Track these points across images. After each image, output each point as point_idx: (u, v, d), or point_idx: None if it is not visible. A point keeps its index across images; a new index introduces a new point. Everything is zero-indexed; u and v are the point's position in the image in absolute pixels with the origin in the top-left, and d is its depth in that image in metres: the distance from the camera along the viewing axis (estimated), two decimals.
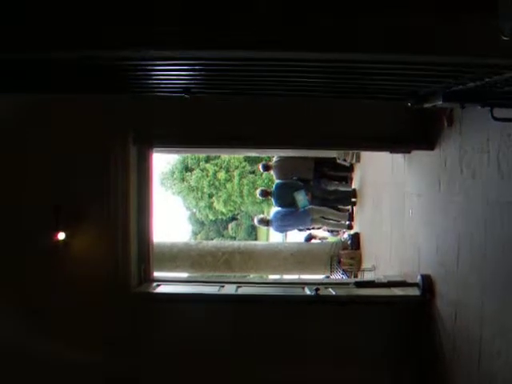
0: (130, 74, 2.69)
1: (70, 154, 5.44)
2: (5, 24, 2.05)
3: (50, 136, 5.42)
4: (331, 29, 2.04)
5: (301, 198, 9.36)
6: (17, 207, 5.43)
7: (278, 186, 9.78)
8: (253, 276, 11.66)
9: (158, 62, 2.45)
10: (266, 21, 2.01)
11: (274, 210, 10.49)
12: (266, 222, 10.13)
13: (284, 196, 9.60)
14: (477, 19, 1.94)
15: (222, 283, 6.19)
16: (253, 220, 11.57)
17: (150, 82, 2.94)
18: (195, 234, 33.28)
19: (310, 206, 9.57)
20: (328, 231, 11.10)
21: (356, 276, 8.63)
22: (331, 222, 10.15)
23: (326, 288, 5.94)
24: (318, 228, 10.75)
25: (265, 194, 10.38)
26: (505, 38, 1.76)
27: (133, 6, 2.03)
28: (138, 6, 2.02)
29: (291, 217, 9.59)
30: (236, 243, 10.71)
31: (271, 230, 10.91)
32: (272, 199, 10.16)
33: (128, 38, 2.05)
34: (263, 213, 27.62)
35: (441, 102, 2.81)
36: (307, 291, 5.83)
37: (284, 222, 9.66)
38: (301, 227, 10.09)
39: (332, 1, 2.04)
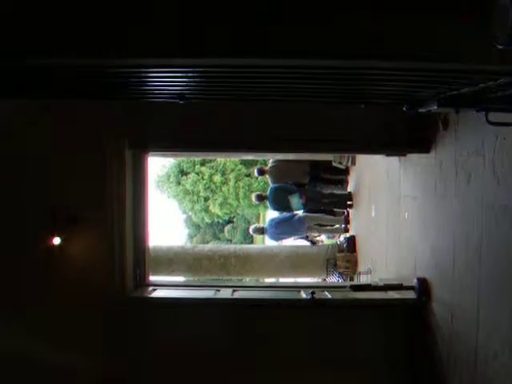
0: (126, 80, 2.69)
1: (66, 159, 5.44)
2: (6, 31, 2.05)
3: (47, 140, 5.41)
4: (327, 35, 2.05)
5: (295, 201, 9.36)
6: (13, 211, 5.42)
7: (273, 190, 9.78)
8: (249, 279, 11.64)
9: (152, 70, 2.45)
10: (260, 28, 2.02)
11: (269, 217, 10.49)
12: (261, 231, 10.12)
13: (279, 200, 9.60)
14: (472, 27, 1.95)
15: (217, 287, 6.18)
16: (248, 229, 11.57)
17: (145, 88, 2.95)
18: (191, 237, 33.28)
19: (305, 214, 9.57)
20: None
21: (352, 279, 8.63)
22: (327, 228, 10.15)
23: (322, 291, 5.93)
24: (317, 236, 10.73)
25: (260, 198, 10.38)
26: (499, 47, 1.77)
27: (129, 15, 2.03)
28: (134, 15, 2.03)
29: (286, 224, 9.58)
30: (232, 247, 10.68)
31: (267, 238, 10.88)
32: (267, 203, 10.17)
33: (123, 46, 2.05)
34: (259, 216, 27.64)
35: (436, 107, 2.82)
36: (303, 295, 5.82)
37: (279, 230, 9.64)
38: (296, 235, 10.07)
39: (328, 7, 2.04)
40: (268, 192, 10.01)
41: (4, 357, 5.15)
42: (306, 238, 10.38)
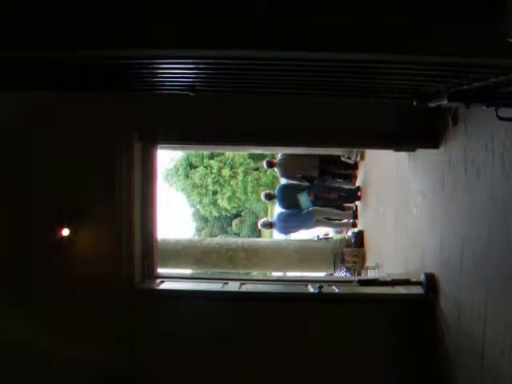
0: (136, 72, 2.70)
1: (75, 151, 5.46)
2: (11, 24, 2.07)
3: (56, 133, 5.44)
4: (334, 29, 2.05)
5: (303, 199, 9.38)
6: (21, 203, 5.45)
7: (281, 188, 9.84)
8: (256, 273, 11.67)
9: (162, 61, 2.46)
10: (271, 21, 2.02)
11: (277, 211, 10.49)
12: (269, 225, 10.13)
13: (287, 197, 9.63)
14: (483, 21, 1.94)
15: (225, 280, 6.20)
16: (256, 223, 11.57)
17: (155, 80, 2.96)
18: (199, 230, 33.39)
19: (314, 208, 9.57)
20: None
21: (359, 274, 8.63)
22: (335, 222, 10.15)
23: (330, 286, 5.94)
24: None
25: (269, 197, 10.44)
26: (510, 40, 1.76)
27: (138, 5, 2.04)
28: (142, 5, 2.03)
29: (295, 218, 9.58)
30: (240, 240, 10.71)
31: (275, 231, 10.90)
32: (276, 201, 10.20)
33: (133, 37, 2.06)
34: (267, 210, 27.65)
35: (446, 102, 2.81)
36: (311, 289, 5.83)
37: (287, 224, 9.66)
38: (305, 229, 10.08)
39: (335, 1, 2.04)
40: (276, 190, 10.05)
41: (9, 352, 5.19)
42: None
